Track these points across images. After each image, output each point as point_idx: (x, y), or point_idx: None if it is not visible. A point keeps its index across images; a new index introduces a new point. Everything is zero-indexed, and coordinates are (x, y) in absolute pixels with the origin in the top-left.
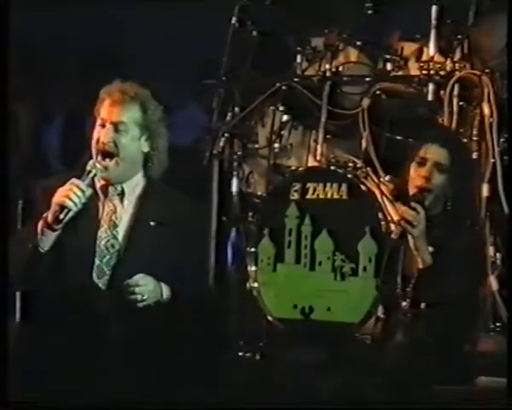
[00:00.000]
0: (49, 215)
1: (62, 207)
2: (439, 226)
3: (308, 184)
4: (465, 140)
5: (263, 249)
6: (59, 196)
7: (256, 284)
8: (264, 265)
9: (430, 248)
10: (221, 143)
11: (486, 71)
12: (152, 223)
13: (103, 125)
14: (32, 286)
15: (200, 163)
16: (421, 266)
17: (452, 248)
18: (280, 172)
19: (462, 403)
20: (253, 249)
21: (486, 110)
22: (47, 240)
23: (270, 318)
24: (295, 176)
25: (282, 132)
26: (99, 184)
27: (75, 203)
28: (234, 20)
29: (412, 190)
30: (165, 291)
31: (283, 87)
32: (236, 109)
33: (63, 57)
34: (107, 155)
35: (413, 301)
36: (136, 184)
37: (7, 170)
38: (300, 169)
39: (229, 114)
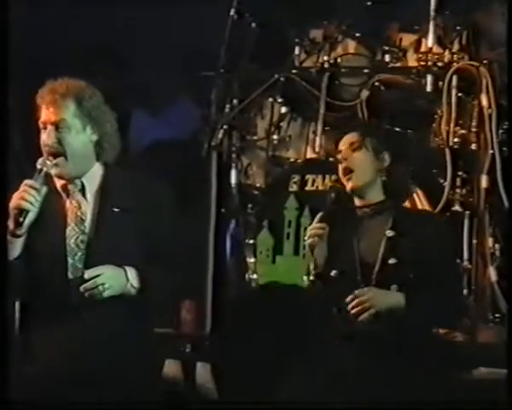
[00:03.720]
0: (10, 222)
1: (20, 211)
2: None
3: (307, 176)
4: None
5: (262, 241)
6: (14, 200)
7: (255, 276)
8: (263, 256)
9: (388, 233)
10: (220, 135)
11: (484, 62)
12: (116, 209)
13: (45, 128)
14: (12, 294)
15: (198, 155)
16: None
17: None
18: (279, 164)
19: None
20: (252, 241)
21: (484, 101)
22: (14, 248)
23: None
24: (294, 168)
25: (281, 124)
26: (59, 183)
27: (31, 203)
28: (232, 11)
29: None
30: (131, 274)
31: (282, 79)
32: (235, 101)
33: (63, 54)
34: (55, 155)
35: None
36: (94, 175)
37: (7, 170)
38: (299, 161)
39: (228, 106)
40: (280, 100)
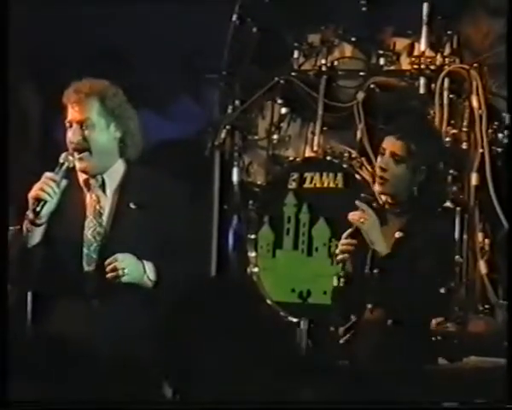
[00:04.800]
0: (29, 211)
1: (38, 200)
2: (407, 212)
3: (305, 174)
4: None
5: (263, 236)
6: (33, 191)
7: (256, 269)
8: (263, 251)
9: (398, 234)
10: (222, 135)
11: (475, 65)
12: (132, 206)
13: (71, 126)
14: (27, 282)
15: (202, 154)
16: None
17: (420, 235)
18: (279, 163)
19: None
20: (253, 236)
21: (475, 102)
22: (33, 236)
23: (269, 301)
24: (293, 166)
25: (281, 124)
26: (81, 178)
27: (48, 194)
28: (234, 17)
29: (376, 184)
30: (149, 267)
31: (282, 81)
32: (237, 102)
33: (71, 55)
34: (80, 151)
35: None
36: (116, 172)
37: (6, 169)
38: (298, 159)
39: (230, 107)
40: (280, 101)
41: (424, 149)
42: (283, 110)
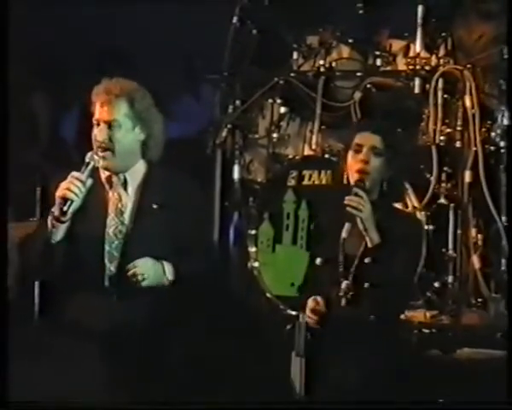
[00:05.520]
0: (55, 209)
1: (65, 200)
2: (379, 209)
3: (304, 172)
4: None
5: (263, 232)
6: (61, 190)
7: (256, 264)
8: (263, 246)
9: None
10: (224, 134)
11: (468, 66)
12: (154, 206)
13: (98, 124)
14: (48, 277)
15: (204, 152)
16: (369, 245)
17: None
18: (278, 161)
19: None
20: (253, 232)
21: (468, 102)
22: (57, 232)
23: (268, 295)
24: (292, 164)
25: (280, 123)
26: (104, 175)
27: (76, 194)
28: (235, 19)
29: (353, 176)
30: (168, 269)
31: (281, 82)
32: (238, 102)
33: (78, 53)
34: (105, 150)
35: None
36: (137, 171)
37: (7, 169)
38: (297, 157)
39: (231, 107)
40: (279, 101)
41: (397, 144)
42: (283, 110)
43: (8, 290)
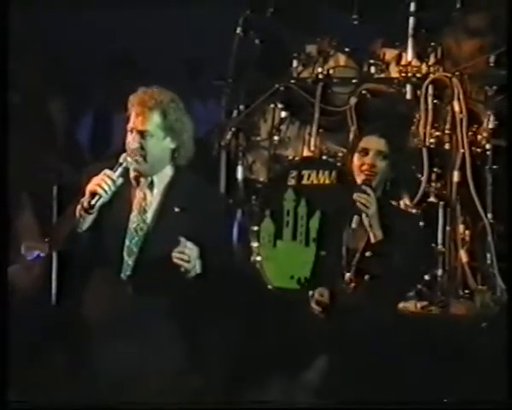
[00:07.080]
0: (85, 201)
1: (94, 194)
2: (382, 207)
3: (303, 172)
4: (400, 130)
5: (264, 228)
6: (92, 185)
7: (258, 258)
8: (265, 241)
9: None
10: (228, 136)
11: (456, 73)
12: (176, 209)
13: (132, 132)
14: (72, 264)
15: (210, 153)
16: (373, 240)
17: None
18: (279, 162)
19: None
20: (255, 228)
21: (457, 107)
22: (84, 222)
23: (270, 287)
24: (292, 164)
25: (281, 127)
26: (133, 174)
27: (105, 191)
28: (239, 30)
29: (359, 176)
30: (198, 263)
31: (282, 88)
32: (241, 107)
33: (91, 59)
34: (135, 155)
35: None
36: (165, 175)
37: (7, 169)
38: (297, 158)
39: (235, 111)
40: (280, 106)
41: (401, 147)
42: (283, 114)
43: (8, 290)
